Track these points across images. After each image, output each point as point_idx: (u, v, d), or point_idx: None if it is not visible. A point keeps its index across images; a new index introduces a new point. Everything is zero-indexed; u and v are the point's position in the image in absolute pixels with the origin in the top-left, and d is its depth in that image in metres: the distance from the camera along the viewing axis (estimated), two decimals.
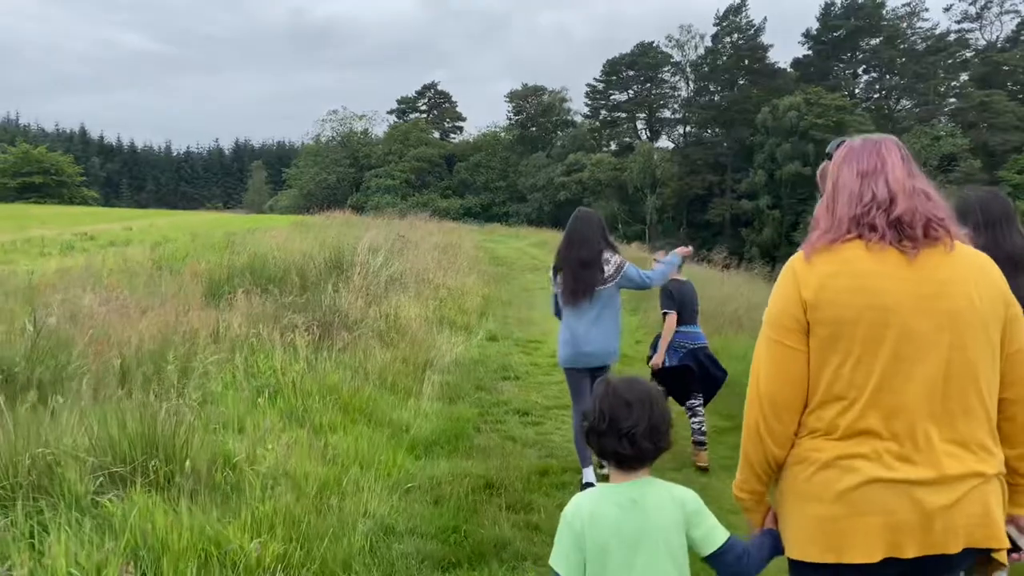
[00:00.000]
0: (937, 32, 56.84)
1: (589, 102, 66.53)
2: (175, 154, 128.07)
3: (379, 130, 72.06)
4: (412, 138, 65.66)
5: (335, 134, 70.70)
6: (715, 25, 60.12)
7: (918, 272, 1.82)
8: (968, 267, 1.86)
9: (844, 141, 2.07)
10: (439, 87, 74.90)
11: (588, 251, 4.82)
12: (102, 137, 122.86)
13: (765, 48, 59.55)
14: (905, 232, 1.84)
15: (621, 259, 4.92)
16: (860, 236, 1.86)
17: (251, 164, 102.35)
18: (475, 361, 7.62)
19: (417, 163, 63.79)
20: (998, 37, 57.08)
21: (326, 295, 7.25)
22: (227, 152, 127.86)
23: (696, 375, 5.45)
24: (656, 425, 1.90)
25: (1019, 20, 55.96)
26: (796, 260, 1.93)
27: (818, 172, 2.99)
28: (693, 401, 5.51)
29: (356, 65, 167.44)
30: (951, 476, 1.78)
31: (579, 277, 4.79)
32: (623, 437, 1.88)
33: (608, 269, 4.82)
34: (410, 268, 10.45)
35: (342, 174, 66.68)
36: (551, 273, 5.14)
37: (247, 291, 7.41)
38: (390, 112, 74.27)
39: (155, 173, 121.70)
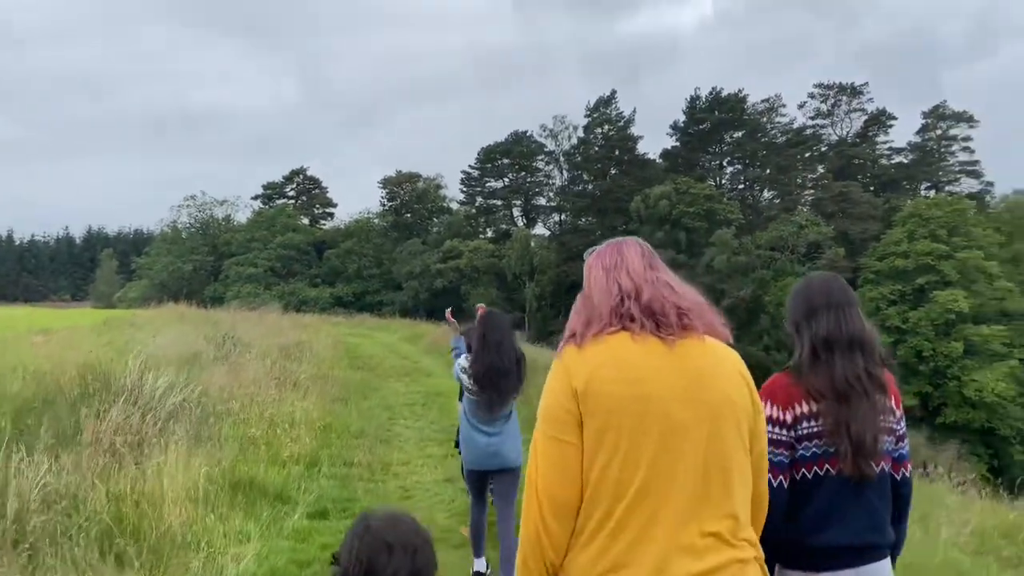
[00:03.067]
0: (795, 127, 59.69)
1: (465, 189, 65.60)
2: (17, 243, 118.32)
3: (242, 216, 67.98)
4: (278, 224, 62.03)
5: (193, 221, 66.11)
6: (586, 116, 60.90)
7: (679, 361, 1.85)
8: (721, 359, 1.91)
9: (597, 247, 2.15)
10: (308, 172, 71.96)
11: (508, 360, 4.73)
12: None
13: (635, 139, 60.71)
14: (659, 320, 1.88)
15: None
16: (624, 327, 1.89)
17: (101, 253, 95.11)
18: None
19: (283, 250, 60.08)
20: (848, 133, 60.48)
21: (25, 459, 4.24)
22: (78, 241, 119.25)
23: None
24: (419, 572, 1.74)
25: (866, 118, 59.49)
26: (566, 352, 1.93)
27: None
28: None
29: (225, 153, 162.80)
30: (714, 567, 1.78)
31: (501, 389, 4.75)
32: None
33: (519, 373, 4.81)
34: (221, 387, 7.55)
35: (199, 263, 61.90)
36: (462, 362, 4.93)
37: None
38: (255, 198, 70.45)
39: None
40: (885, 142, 59.96)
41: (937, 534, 5.43)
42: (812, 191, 59.82)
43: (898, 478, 2.45)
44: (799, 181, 60.24)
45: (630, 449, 1.79)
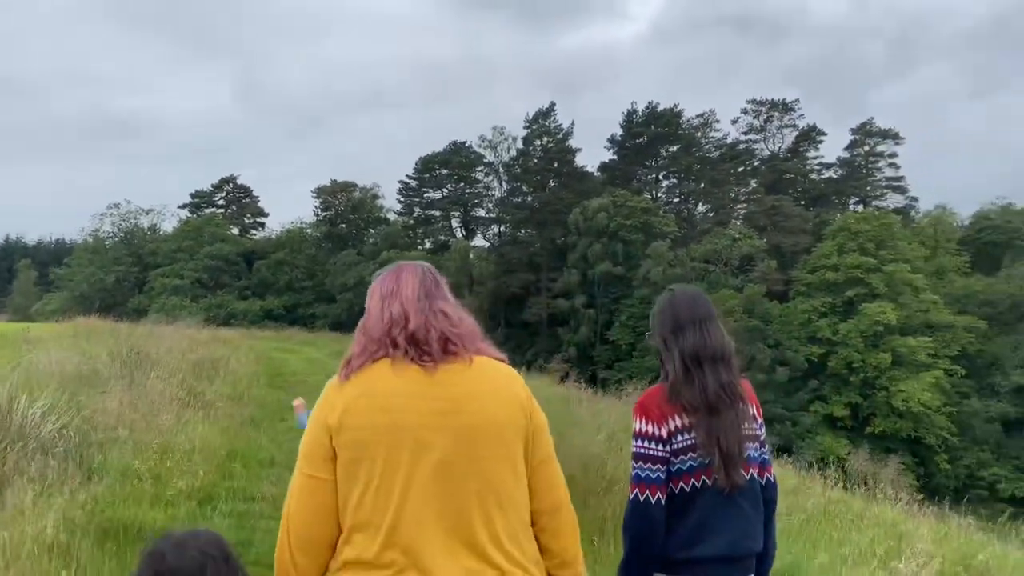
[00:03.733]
0: (728, 142, 60.61)
1: (402, 199, 64.58)
2: None
3: (168, 226, 65.43)
4: (206, 234, 59.88)
5: (116, 230, 63.35)
6: (525, 128, 60.71)
7: (437, 388, 1.87)
8: (488, 380, 1.93)
9: (384, 270, 2.15)
10: (238, 181, 69.83)
11: None
12: None
13: (574, 152, 60.72)
14: (422, 348, 1.90)
15: None
16: (387, 355, 1.90)
17: (19, 263, 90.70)
18: None
19: (211, 261, 57.99)
20: (780, 148, 61.71)
21: None
22: None
23: None
24: None
25: (797, 133, 60.80)
26: (328, 387, 1.94)
27: None
28: None
29: (156, 161, 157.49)
30: None
31: None
32: None
33: None
34: (112, 411, 6.64)
35: (123, 274, 59.30)
36: None
37: None
38: (182, 206, 67.95)
39: None
40: (815, 157, 61.37)
41: None
42: (745, 205, 60.81)
43: (763, 483, 2.51)
44: (732, 195, 61.15)
45: (383, 480, 1.80)
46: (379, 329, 1.95)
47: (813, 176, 61.73)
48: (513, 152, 61.58)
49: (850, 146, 59.96)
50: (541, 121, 60.11)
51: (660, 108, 59.72)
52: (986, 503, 39.95)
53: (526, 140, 60.59)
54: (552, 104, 60.34)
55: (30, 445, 4.97)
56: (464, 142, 62.71)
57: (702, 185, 59.86)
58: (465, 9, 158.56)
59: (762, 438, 2.53)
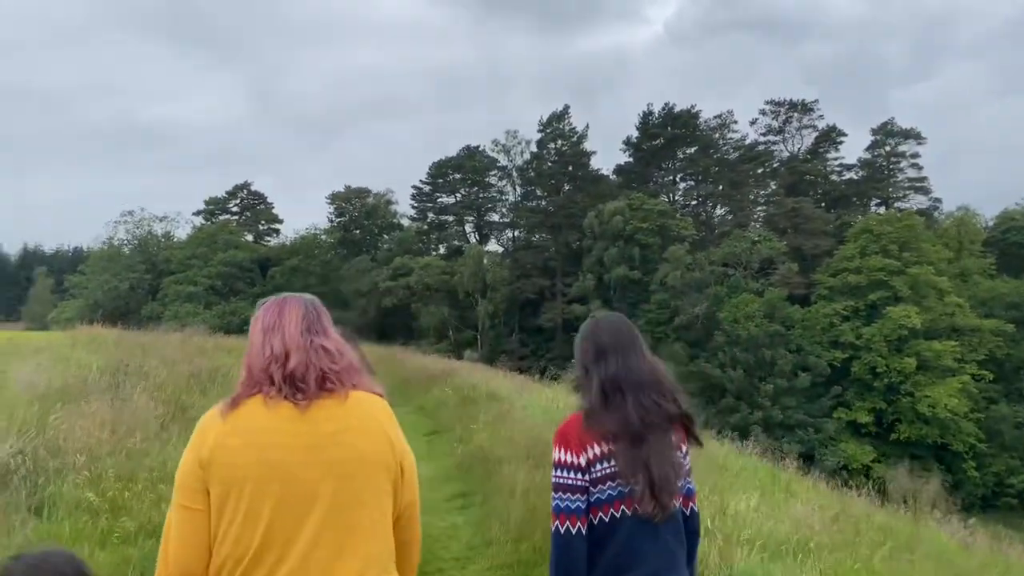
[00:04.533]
0: (747, 143, 59.65)
1: (416, 204, 64.11)
2: None
3: (182, 233, 65.27)
4: (220, 241, 59.64)
5: (130, 237, 63.26)
6: (539, 131, 60.07)
7: (308, 425, 1.90)
8: (360, 416, 1.97)
9: (268, 300, 2.14)
10: (253, 187, 69.60)
11: None
12: None
13: (588, 155, 59.99)
14: (298, 386, 1.93)
15: None
16: (261, 391, 1.93)
17: (36, 271, 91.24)
18: None
19: (225, 268, 57.70)
20: (799, 149, 60.69)
21: None
22: (13, 259, 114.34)
23: None
24: None
25: (817, 134, 59.75)
26: (206, 417, 1.97)
27: None
28: None
29: (173, 169, 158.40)
30: None
31: None
32: None
33: None
34: (81, 432, 5.95)
35: (137, 281, 59.14)
36: None
37: None
38: (196, 213, 67.82)
39: None
40: (836, 158, 60.34)
41: None
42: (764, 207, 59.85)
43: (687, 512, 2.47)
44: (751, 197, 60.21)
45: (248, 514, 1.84)
46: (259, 364, 1.96)
47: (834, 177, 60.64)
48: (527, 156, 61.04)
49: (871, 147, 58.84)
50: (555, 124, 59.45)
51: (677, 109, 58.92)
52: (1016, 511, 38.79)
53: (540, 143, 59.97)
54: (566, 107, 59.72)
55: None
56: (477, 146, 62.26)
57: (720, 187, 58.94)
58: (480, 16, 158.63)
59: (687, 467, 2.48)
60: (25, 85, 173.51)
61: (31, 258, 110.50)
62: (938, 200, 59.91)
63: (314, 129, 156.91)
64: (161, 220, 64.44)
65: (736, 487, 7.56)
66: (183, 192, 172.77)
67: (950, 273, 47.79)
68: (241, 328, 48.43)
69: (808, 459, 31.82)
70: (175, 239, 64.25)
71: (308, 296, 2.13)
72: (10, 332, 32.57)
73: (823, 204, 58.74)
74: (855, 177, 59.98)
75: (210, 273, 56.91)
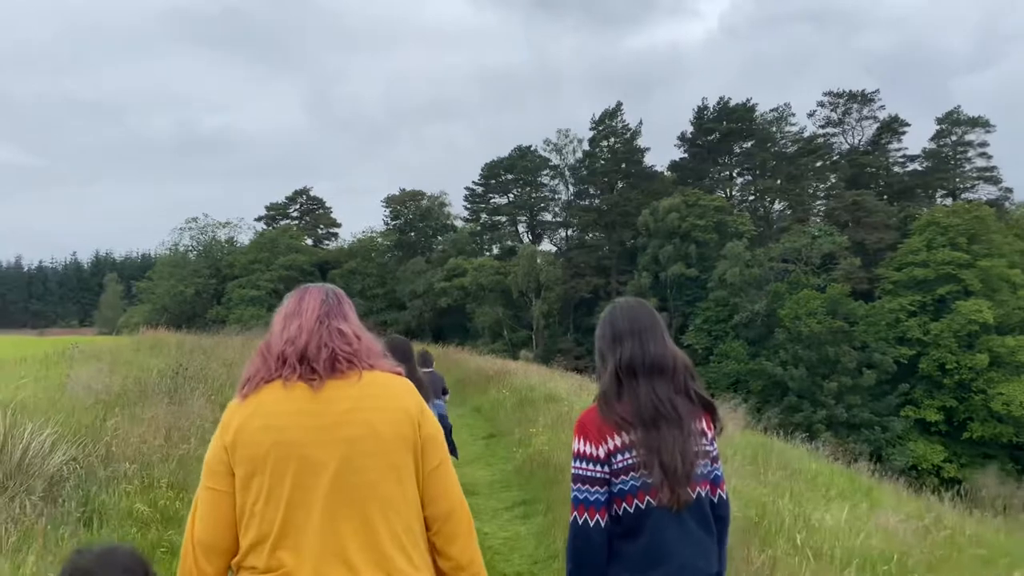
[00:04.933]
0: (805, 136, 58.25)
1: (469, 205, 64.39)
2: (26, 269, 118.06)
3: (245, 238, 66.86)
4: (281, 245, 60.91)
5: (195, 243, 65.03)
6: (591, 129, 59.71)
7: (321, 404, 1.97)
8: (374, 395, 2.02)
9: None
10: (312, 192, 70.96)
11: None
12: None
13: (642, 151, 59.40)
14: (311, 366, 1.99)
15: None
16: (280, 375, 1.99)
17: (106, 278, 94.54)
18: None
19: (286, 272, 58.83)
20: (860, 141, 59.01)
21: None
22: (86, 266, 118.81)
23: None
24: None
25: (878, 125, 58.03)
26: (231, 404, 2.04)
27: None
28: None
29: (238, 176, 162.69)
30: None
31: None
32: None
33: None
34: (135, 438, 6.04)
35: (201, 286, 60.78)
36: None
37: None
38: (258, 219, 69.45)
39: (2, 291, 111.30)
40: (898, 149, 58.46)
41: None
42: (824, 201, 58.37)
43: (715, 500, 2.43)
44: (811, 191, 58.80)
45: (270, 493, 1.91)
46: (277, 348, 2.03)
47: (897, 169, 58.78)
48: (579, 155, 60.76)
49: (936, 136, 56.79)
50: (608, 122, 59.03)
51: (732, 103, 57.88)
52: None
53: (592, 141, 59.62)
54: (619, 104, 59.25)
55: (29, 482, 4.44)
56: (529, 146, 62.19)
57: (778, 181, 57.69)
58: (530, 17, 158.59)
59: (713, 454, 2.42)
60: (94, 98, 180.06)
61: (102, 265, 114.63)
62: (1009, 190, 57.47)
63: (369, 134, 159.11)
64: (224, 226, 66.14)
65: (815, 494, 7.27)
66: (244, 198, 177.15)
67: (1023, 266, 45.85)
68: None
69: (876, 459, 30.94)
70: (238, 244, 65.81)
71: (330, 285, 2.21)
72: (78, 337, 33.77)
73: (885, 197, 56.95)
74: (919, 168, 58.00)
75: (272, 277, 58.13)
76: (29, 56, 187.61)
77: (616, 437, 2.30)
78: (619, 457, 2.29)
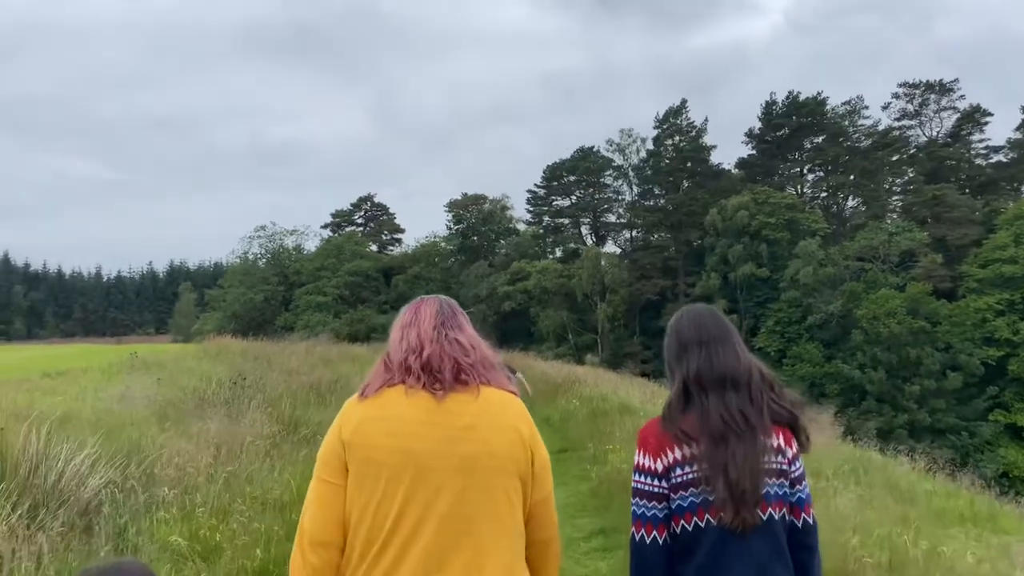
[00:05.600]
0: (880, 129, 55.97)
1: (531, 208, 63.92)
2: (105, 279, 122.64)
3: (311, 245, 67.82)
4: (346, 251, 61.51)
5: (263, 251, 66.21)
6: (655, 128, 58.58)
7: (443, 416, 1.97)
8: (492, 413, 2.01)
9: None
10: (376, 199, 71.58)
11: None
12: (27, 264, 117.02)
13: (708, 149, 57.99)
14: (435, 375, 2.01)
15: None
16: (403, 381, 2.02)
17: (181, 286, 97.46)
18: None
19: (351, 278, 59.41)
20: (938, 133, 56.38)
21: None
22: (161, 275, 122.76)
23: None
24: None
25: (958, 116, 55.34)
26: (349, 401, 2.06)
27: None
28: None
29: (306, 184, 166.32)
30: None
31: None
32: None
33: None
34: (182, 456, 5.58)
35: (270, 293, 61.79)
36: None
37: None
38: (324, 226, 70.40)
39: (83, 300, 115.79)
40: (981, 141, 55.58)
41: None
42: (901, 196, 55.98)
43: (799, 524, 2.24)
44: (887, 186, 56.44)
45: (384, 497, 1.91)
46: (398, 357, 2.06)
47: (979, 161, 55.91)
48: (643, 154, 59.67)
49: (1022, 126, 53.85)
50: (672, 120, 57.82)
51: (802, 97, 55.99)
52: None
53: (656, 140, 58.47)
54: (684, 101, 57.99)
55: (64, 507, 4.05)
56: (592, 147, 61.38)
57: (852, 177, 55.52)
58: (591, 18, 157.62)
59: (795, 474, 2.23)
60: (169, 113, 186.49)
61: (177, 274, 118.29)
62: None
63: (432, 140, 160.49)
64: (291, 233, 67.16)
65: (928, 518, 6.44)
66: (312, 206, 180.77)
67: None
68: (368, 335, 49.70)
69: (963, 466, 29.23)
70: (304, 251, 66.77)
71: (444, 296, 2.23)
72: (152, 345, 34.48)
73: (967, 191, 54.24)
74: (1004, 160, 55.01)
75: (338, 283, 58.74)
76: (108, 74, 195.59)
77: (676, 450, 2.20)
78: (678, 471, 2.18)
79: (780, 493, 2.19)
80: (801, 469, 2.27)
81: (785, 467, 2.21)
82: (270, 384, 9.91)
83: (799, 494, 2.24)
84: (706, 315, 2.41)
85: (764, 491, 2.14)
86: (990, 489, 12.06)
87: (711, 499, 2.13)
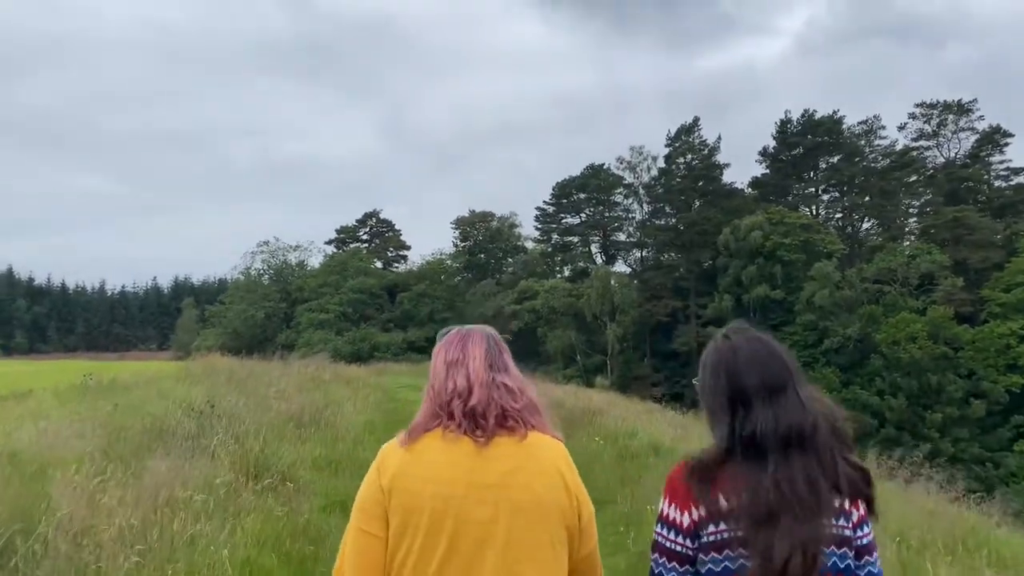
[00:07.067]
0: (897, 149, 54.80)
1: (540, 226, 62.79)
2: (109, 294, 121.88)
3: (315, 261, 66.83)
4: (350, 268, 60.40)
5: (266, 267, 65.16)
6: (667, 145, 57.53)
7: (485, 462, 1.89)
8: (537, 459, 1.93)
9: (450, 331, 2.14)
10: (382, 215, 70.62)
11: None
12: (31, 278, 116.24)
13: (720, 168, 56.85)
14: (478, 422, 1.93)
15: None
16: (441, 424, 1.94)
17: (184, 302, 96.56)
18: None
19: (355, 295, 58.26)
20: (957, 154, 55.19)
21: None
22: (165, 291, 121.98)
23: None
24: None
25: (977, 137, 54.15)
26: (387, 446, 1.99)
27: None
28: None
29: (314, 200, 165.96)
30: None
31: None
32: None
33: None
34: (96, 512, 4.29)
35: (272, 309, 60.65)
36: None
37: None
38: (328, 242, 69.44)
39: (86, 315, 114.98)
40: (1001, 162, 54.36)
41: None
42: (919, 218, 54.71)
43: None
44: (904, 207, 55.18)
45: (424, 546, 1.85)
46: (443, 397, 1.98)
47: (999, 183, 54.68)
48: (654, 172, 58.58)
49: None
50: (684, 138, 56.77)
51: (818, 116, 54.90)
52: None
53: (668, 159, 57.40)
54: (696, 119, 56.95)
55: None
56: (602, 164, 60.37)
57: (868, 198, 54.31)
58: (603, 38, 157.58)
59: (862, 541, 1.83)
60: (177, 128, 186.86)
61: (181, 289, 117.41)
62: None
63: (440, 157, 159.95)
64: (295, 249, 66.14)
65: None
66: (319, 222, 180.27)
67: None
68: (371, 354, 48.40)
69: (986, 497, 27.76)
70: (308, 267, 65.72)
71: (489, 329, 2.13)
72: (140, 362, 33.27)
73: (987, 212, 52.97)
74: None
75: (341, 300, 57.58)
76: (119, 90, 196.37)
77: (710, 503, 1.82)
78: (710, 528, 1.81)
79: (841, 566, 1.80)
80: (870, 536, 1.87)
81: (848, 532, 1.82)
82: (246, 411, 8.68)
83: (868, 567, 1.84)
84: (765, 353, 1.92)
85: (821, 564, 1.75)
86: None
87: (748, 565, 1.76)
